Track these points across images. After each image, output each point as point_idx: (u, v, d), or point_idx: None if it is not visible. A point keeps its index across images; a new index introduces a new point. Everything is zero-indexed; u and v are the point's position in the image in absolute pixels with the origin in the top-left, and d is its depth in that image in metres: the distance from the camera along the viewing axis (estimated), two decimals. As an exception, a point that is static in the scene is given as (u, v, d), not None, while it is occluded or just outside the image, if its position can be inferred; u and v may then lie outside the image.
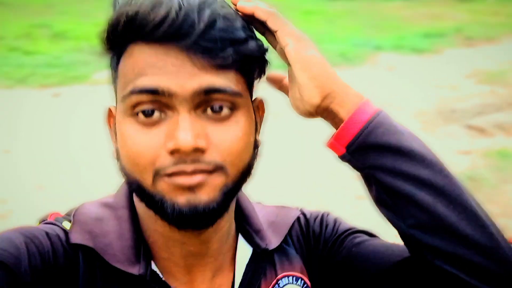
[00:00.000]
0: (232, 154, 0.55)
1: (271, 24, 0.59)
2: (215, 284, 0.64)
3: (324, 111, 0.60)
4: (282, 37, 0.58)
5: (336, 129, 0.60)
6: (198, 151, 0.53)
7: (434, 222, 0.55)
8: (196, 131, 0.53)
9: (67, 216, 0.63)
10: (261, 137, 0.64)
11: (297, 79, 0.59)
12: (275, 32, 0.59)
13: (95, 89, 5.46)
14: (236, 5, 0.59)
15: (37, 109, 5.04)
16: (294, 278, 0.68)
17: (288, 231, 0.70)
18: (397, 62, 7.40)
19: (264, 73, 0.63)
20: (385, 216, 0.59)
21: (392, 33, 8.93)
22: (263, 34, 0.61)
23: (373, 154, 0.57)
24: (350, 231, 0.70)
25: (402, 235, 0.59)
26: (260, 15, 0.59)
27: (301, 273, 0.69)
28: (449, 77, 6.65)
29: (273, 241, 0.68)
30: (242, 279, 0.65)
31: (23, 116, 4.82)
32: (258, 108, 0.64)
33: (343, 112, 0.59)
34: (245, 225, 0.68)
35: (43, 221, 0.63)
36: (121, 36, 0.55)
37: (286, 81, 0.65)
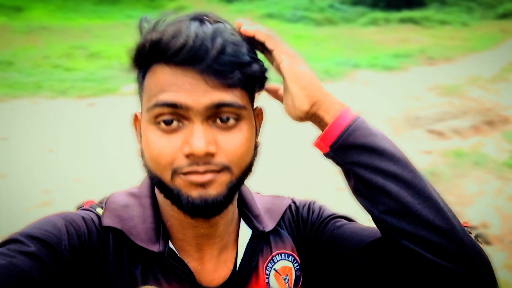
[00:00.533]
0: (237, 157, 0.55)
1: (269, 44, 0.58)
2: (221, 260, 0.64)
3: (312, 116, 0.60)
4: (278, 55, 0.58)
5: (322, 131, 0.60)
6: (209, 155, 0.53)
7: (401, 208, 0.55)
8: (208, 139, 0.53)
9: (100, 204, 0.63)
10: (260, 139, 0.63)
11: (290, 89, 0.59)
12: (272, 50, 0.59)
13: (123, 100, 5.46)
14: (240, 29, 0.58)
15: (76, 116, 5.03)
16: (286, 255, 0.68)
17: (281, 216, 0.70)
18: (371, 78, 7.40)
19: (264, 87, 0.62)
20: (360, 203, 0.59)
21: (367, 54, 8.93)
22: (262, 52, 0.61)
23: (352, 152, 0.57)
24: (332, 216, 0.70)
25: (375, 220, 0.58)
26: (260, 36, 0.58)
27: (292, 251, 0.68)
28: (413, 90, 6.65)
29: (269, 224, 0.68)
30: (243, 256, 0.65)
31: (64, 121, 4.81)
32: (258, 115, 0.64)
33: (328, 117, 0.59)
34: (246, 211, 0.68)
35: (80, 207, 0.63)
36: (146, 58, 0.55)
37: (281, 91, 0.64)
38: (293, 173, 3.76)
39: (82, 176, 3.54)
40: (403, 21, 13.18)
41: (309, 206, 0.72)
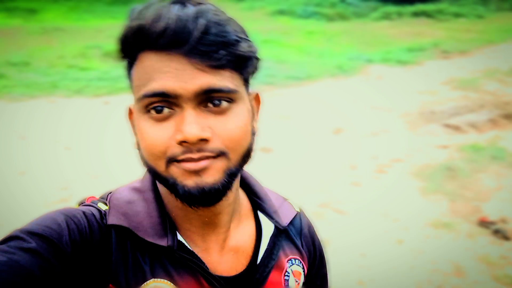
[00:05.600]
0: (233, 141, 0.53)
1: None
2: (225, 250, 0.63)
3: None
4: None
5: None
6: (203, 141, 0.51)
7: None
8: (201, 124, 0.51)
9: (101, 199, 0.62)
10: (258, 125, 0.61)
11: None
12: None
13: (137, 98, 5.50)
14: None
15: (91, 114, 5.10)
16: (298, 260, 0.68)
17: (292, 222, 0.70)
18: (385, 72, 7.30)
19: (257, 69, 0.58)
20: None
21: (381, 48, 8.81)
22: None
23: None
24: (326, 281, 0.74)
25: None
26: None
27: (302, 258, 0.69)
28: (428, 85, 6.54)
29: (284, 222, 0.68)
30: (266, 248, 0.65)
31: (80, 120, 4.88)
32: (254, 100, 0.61)
33: None
34: (263, 205, 0.67)
35: (82, 203, 0.62)
36: (131, 46, 0.53)
37: None
38: (308, 168, 3.73)
39: (99, 173, 3.58)
40: (416, 14, 12.96)
41: (315, 238, 0.74)
